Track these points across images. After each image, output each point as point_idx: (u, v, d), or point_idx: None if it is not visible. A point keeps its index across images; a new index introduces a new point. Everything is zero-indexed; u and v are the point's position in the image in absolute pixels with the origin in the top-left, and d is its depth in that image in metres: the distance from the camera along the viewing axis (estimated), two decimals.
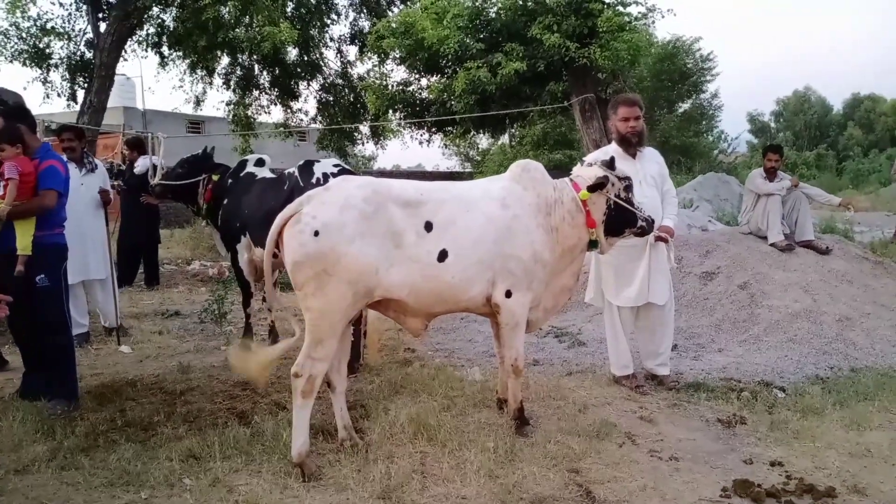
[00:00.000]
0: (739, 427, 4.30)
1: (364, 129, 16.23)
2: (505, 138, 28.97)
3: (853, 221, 10.15)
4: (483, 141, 31.35)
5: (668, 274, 5.06)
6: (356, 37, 15.68)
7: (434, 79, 11.74)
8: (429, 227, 3.70)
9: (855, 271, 7.44)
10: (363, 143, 17.77)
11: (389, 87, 12.23)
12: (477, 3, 10.88)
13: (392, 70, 12.81)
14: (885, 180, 26.00)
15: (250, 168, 6.02)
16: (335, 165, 5.54)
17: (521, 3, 10.51)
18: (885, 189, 22.89)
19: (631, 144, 4.98)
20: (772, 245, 7.53)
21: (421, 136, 13.55)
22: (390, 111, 12.47)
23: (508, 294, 3.88)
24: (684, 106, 28.59)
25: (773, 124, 46.66)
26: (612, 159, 4.32)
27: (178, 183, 6.24)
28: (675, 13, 10.75)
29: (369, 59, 14.31)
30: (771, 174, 7.50)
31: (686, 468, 3.70)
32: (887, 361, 5.71)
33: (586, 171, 4.23)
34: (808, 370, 5.48)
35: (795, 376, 5.33)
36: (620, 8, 10.19)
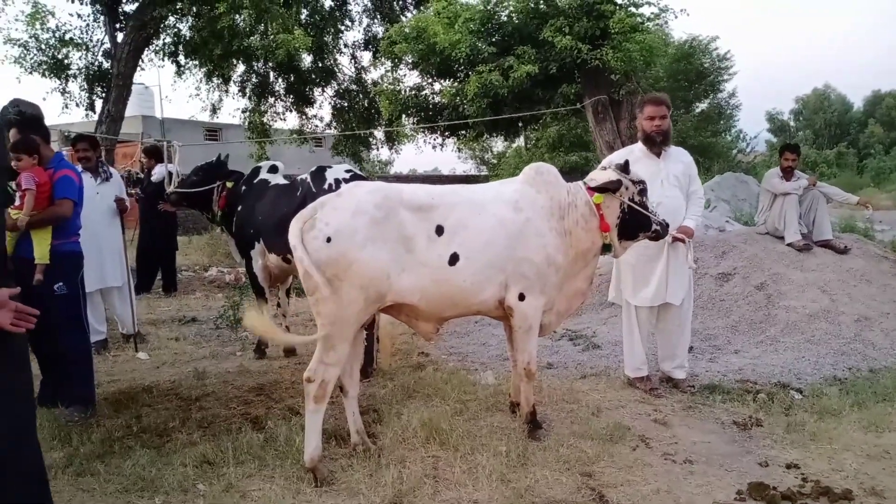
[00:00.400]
0: (755, 429, 4.26)
1: (378, 134, 16.29)
2: (520, 141, 28.93)
3: (874, 220, 10.01)
4: (498, 144, 31.34)
5: (687, 275, 5.01)
6: (370, 42, 15.74)
7: (446, 83, 11.73)
8: (440, 230, 3.70)
9: (874, 271, 7.33)
10: (378, 149, 17.84)
11: (402, 91, 12.26)
12: (488, 7, 10.85)
13: (405, 75, 12.87)
14: None
15: (264, 175, 6.07)
16: (347, 171, 5.57)
17: (532, 5, 10.47)
18: None
19: (655, 143, 4.96)
20: (789, 245, 7.44)
21: (434, 140, 13.54)
22: (403, 116, 12.49)
23: (521, 297, 3.87)
24: (702, 106, 28.42)
25: (792, 123, 46.34)
26: (626, 163, 4.28)
27: (192, 190, 6.31)
28: (688, 13, 10.63)
29: (382, 64, 14.38)
30: (788, 173, 7.42)
31: (700, 471, 3.67)
32: None
33: (601, 174, 4.22)
34: (825, 371, 5.41)
35: (813, 377, 5.27)
36: (633, 9, 10.11)
